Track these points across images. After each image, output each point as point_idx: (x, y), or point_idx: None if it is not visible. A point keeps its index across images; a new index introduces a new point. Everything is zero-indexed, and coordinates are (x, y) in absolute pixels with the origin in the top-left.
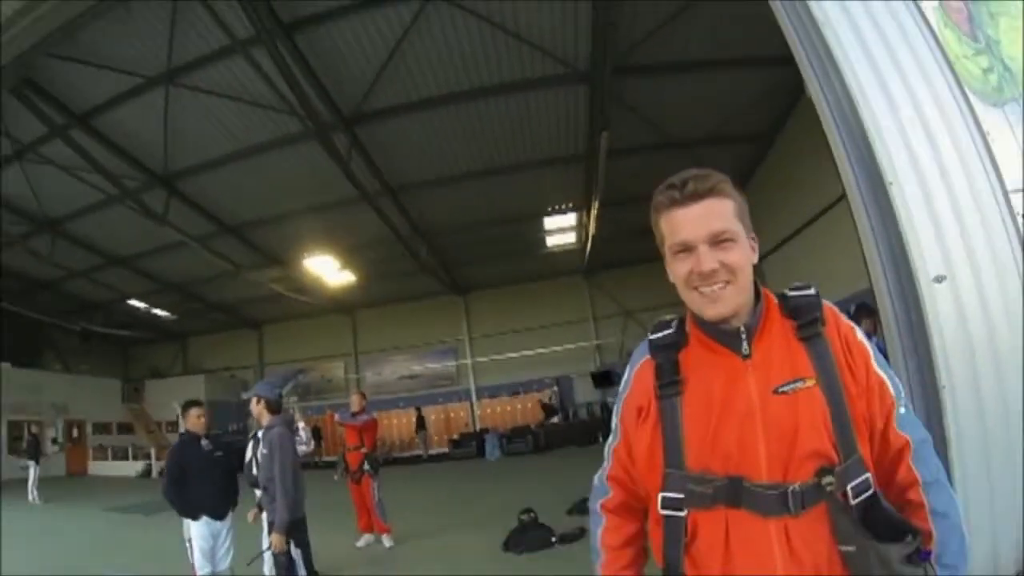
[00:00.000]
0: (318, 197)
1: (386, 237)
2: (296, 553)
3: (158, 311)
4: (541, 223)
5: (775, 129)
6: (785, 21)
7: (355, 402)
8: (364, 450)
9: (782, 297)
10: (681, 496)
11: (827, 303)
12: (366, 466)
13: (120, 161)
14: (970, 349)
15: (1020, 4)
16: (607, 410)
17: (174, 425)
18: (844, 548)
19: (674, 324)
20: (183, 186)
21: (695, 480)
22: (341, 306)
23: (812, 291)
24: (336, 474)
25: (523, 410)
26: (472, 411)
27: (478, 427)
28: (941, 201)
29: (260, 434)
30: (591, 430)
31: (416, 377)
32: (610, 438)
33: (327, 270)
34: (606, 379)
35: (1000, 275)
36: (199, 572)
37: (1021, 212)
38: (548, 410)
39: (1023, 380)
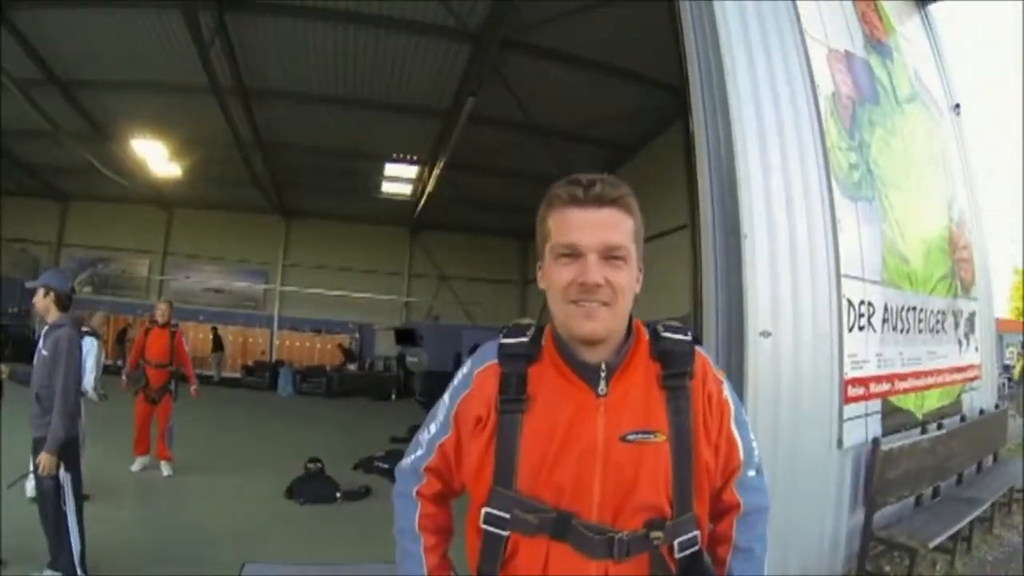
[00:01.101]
0: (166, 76)
1: (225, 139)
2: (64, 477)
3: None
4: (382, 167)
5: (635, 146)
6: (692, 58)
7: (162, 311)
8: (172, 368)
9: (654, 335)
10: (506, 517)
11: (700, 352)
12: (171, 386)
13: None
14: (776, 400)
15: (895, 120)
16: (404, 368)
17: None
18: None
19: (530, 334)
20: (16, 17)
21: (522, 505)
22: (159, 199)
23: (688, 337)
24: (128, 386)
25: (322, 350)
26: (271, 340)
27: (274, 358)
28: (783, 265)
29: (44, 331)
30: (385, 384)
31: (222, 292)
32: (433, 428)
33: (154, 157)
34: (408, 337)
35: (816, 345)
36: None
37: (847, 296)
38: (347, 355)
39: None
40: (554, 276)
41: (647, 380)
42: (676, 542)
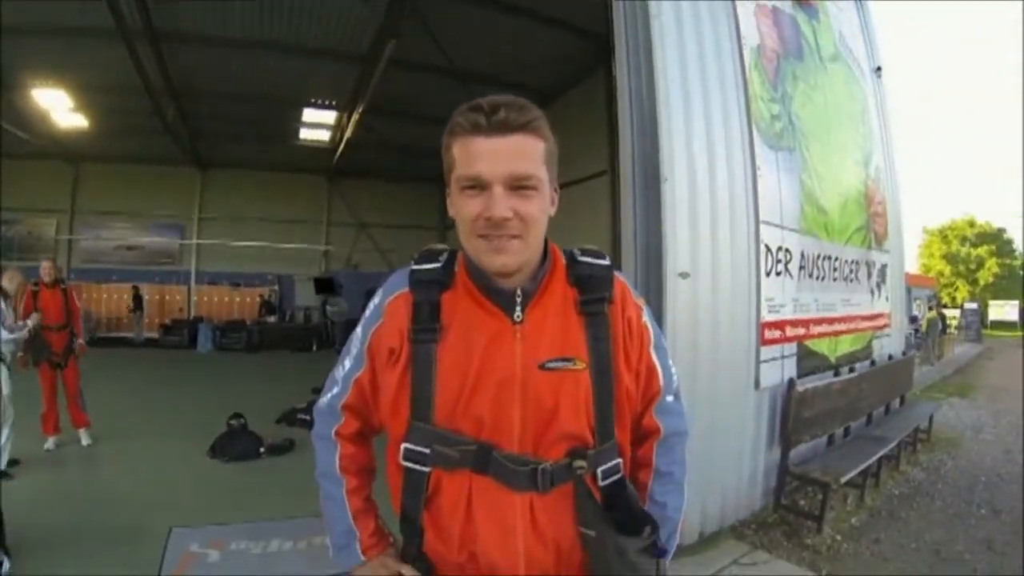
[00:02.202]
0: (68, 17)
1: (134, 86)
2: None
3: None
4: (300, 113)
5: (556, 92)
6: (617, 2)
7: (46, 270)
8: (70, 327)
9: (571, 260)
10: (426, 452)
11: (619, 277)
12: (74, 346)
13: None
14: (695, 341)
15: (818, 77)
16: (325, 318)
17: None
18: (585, 531)
19: (443, 259)
20: None
21: (441, 439)
22: (64, 152)
23: (605, 261)
24: (26, 362)
25: (241, 304)
26: (189, 296)
27: (192, 315)
28: (703, 210)
29: None
30: (307, 336)
31: (136, 249)
32: (348, 363)
33: (57, 107)
34: (328, 286)
35: (734, 288)
36: None
37: (765, 242)
38: (267, 308)
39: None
40: (460, 209)
41: (565, 306)
42: (599, 470)
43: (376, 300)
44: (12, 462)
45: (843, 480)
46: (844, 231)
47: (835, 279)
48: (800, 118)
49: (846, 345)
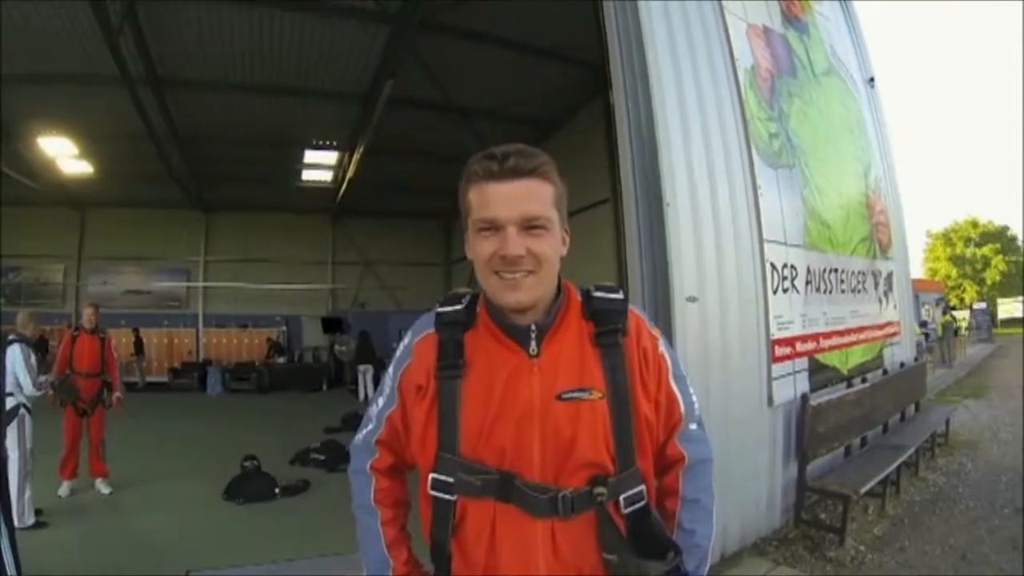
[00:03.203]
0: (72, 67)
1: (138, 132)
2: None
3: None
4: (301, 154)
5: (557, 123)
6: (613, 32)
7: (88, 317)
8: (104, 376)
9: (586, 296)
10: (450, 481)
11: (634, 310)
12: (104, 395)
13: None
14: (706, 363)
15: (813, 92)
16: (334, 357)
17: None
18: (607, 556)
19: (465, 300)
20: None
21: (466, 468)
22: (71, 199)
23: (619, 296)
24: (54, 401)
25: (250, 345)
26: (197, 339)
27: (202, 357)
28: (707, 232)
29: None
30: (316, 375)
31: (143, 294)
32: (381, 402)
33: (63, 155)
34: (336, 325)
35: (742, 308)
36: None
37: (770, 260)
38: (275, 348)
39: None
40: (477, 249)
41: (580, 339)
42: (622, 497)
43: (405, 341)
44: (36, 511)
45: (862, 491)
46: (848, 243)
47: (843, 291)
48: (798, 135)
49: (857, 356)
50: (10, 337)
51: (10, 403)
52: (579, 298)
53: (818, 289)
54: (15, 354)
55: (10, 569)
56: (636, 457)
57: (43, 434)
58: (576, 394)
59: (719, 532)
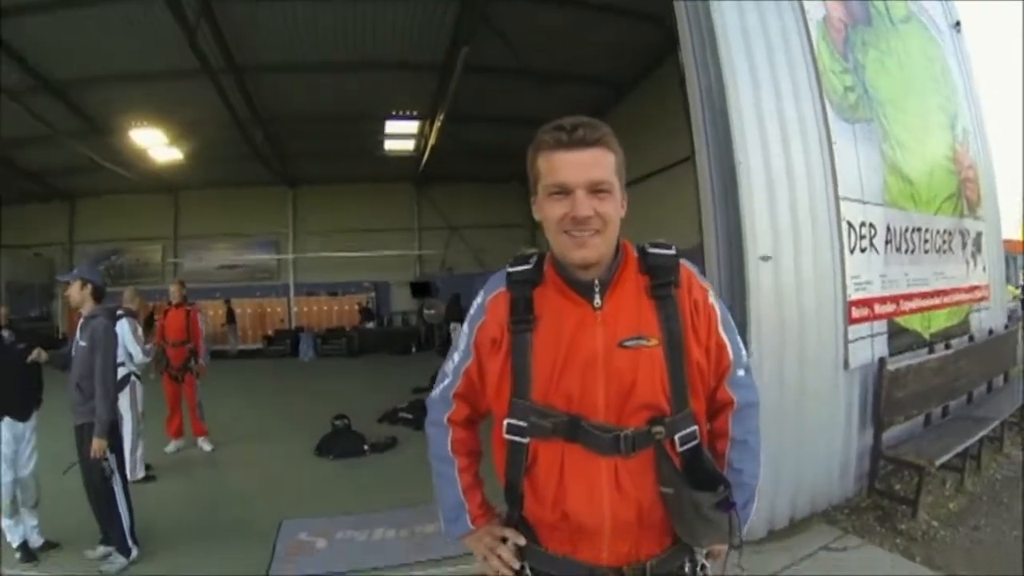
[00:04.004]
0: (156, 64)
1: (222, 117)
2: (111, 458)
3: None
4: (382, 126)
5: (634, 80)
6: None
7: (175, 292)
8: (190, 345)
9: (642, 252)
10: (524, 425)
11: (684, 263)
12: (191, 363)
13: None
14: (780, 323)
15: (891, 41)
16: (423, 320)
17: None
18: (664, 490)
19: (533, 260)
20: (2, 29)
21: (537, 412)
22: (164, 185)
23: (671, 251)
24: (151, 371)
25: (340, 311)
26: (289, 308)
27: (294, 325)
28: (781, 191)
29: (80, 323)
30: (405, 339)
31: (236, 268)
32: (456, 357)
33: (154, 144)
34: (424, 290)
35: (817, 268)
36: (1, 479)
37: (846, 219)
38: (365, 314)
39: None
40: (548, 211)
41: (637, 292)
42: (677, 436)
43: (478, 300)
44: (146, 466)
45: (938, 463)
46: (933, 200)
47: (926, 251)
48: (875, 87)
49: (941, 320)
50: (119, 312)
51: (121, 372)
52: (635, 254)
53: (899, 249)
54: (124, 328)
55: (124, 515)
56: (689, 399)
57: (153, 399)
58: (635, 342)
59: (789, 496)
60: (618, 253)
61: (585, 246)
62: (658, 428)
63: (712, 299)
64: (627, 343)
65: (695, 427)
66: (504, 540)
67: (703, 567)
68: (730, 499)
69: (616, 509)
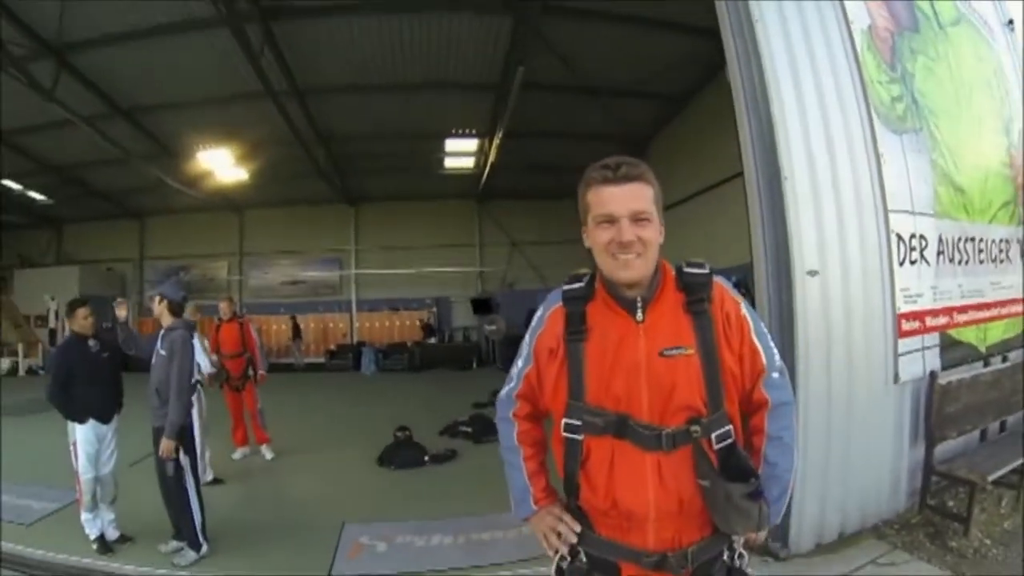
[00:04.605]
0: (222, 89)
1: (286, 138)
2: (184, 459)
3: (33, 194)
4: (442, 144)
5: (687, 96)
6: (722, 5)
7: (224, 309)
8: (247, 355)
9: (679, 271)
10: (579, 423)
11: (717, 280)
12: (249, 372)
13: (5, 23)
14: (827, 339)
15: (939, 46)
16: (485, 337)
17: (44, 320)
18: (701, 482)
19: (585, 279)
20: (76, 60)
21: (590, 412)
22: (230, 204)
23: (705, 270)
24: (211, 382)
25: (401, 327)
26: (351, 323)
27: (356, 340)
28: (828, 205)
29: (160, 334)
30: (466, 355)
31: (299, 283)
32: (520, 363)
33: (220, 165)
34: (485, 306)
35: (866, 281)
36: (83, 476)
37: (896, 231)
38: (427, 330)
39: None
40: (597, 238)
41: (675, 306)
42: (713, 435)
43: (539, 312)
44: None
45: (991, 479)
46: (987, 209)
47: (981, 261)
48: (924, 94)
49: (998, 332)
50: None
51: None
52: (673, 273)
53: (952, 260)
54: (195, 340)
55: (196, 512)
56: (724, 401)
57: (214, 410)
58: (674, 351)
59: (839, 510)
60: (657, 272)
61: (629, 267)
62: (695, 427)
63: (744, 311)
64: (667, 352)
65: (729, 427)
66: (562, 521)
67: (740, 555)
68: (760, 490)
69: (659, 499)
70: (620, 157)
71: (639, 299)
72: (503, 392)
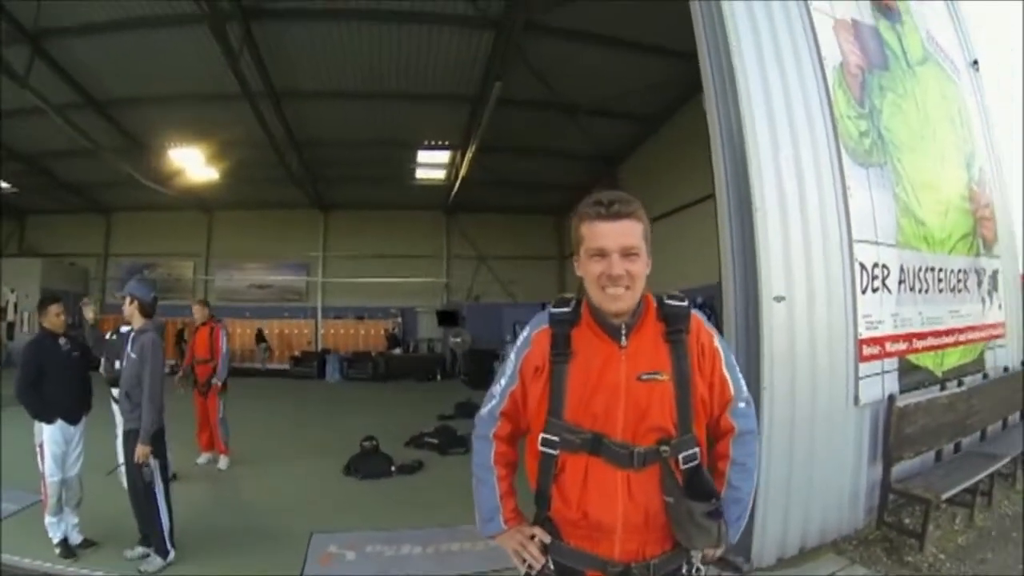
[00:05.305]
0: (198, 87)
1: (259, 140)
2: (154, 464)
3: None
4: (415, 155)
5: (662, 117)
6: (700, 32)
7: (198, 312)
8: (214, 362)
9: (660, 302)
10: (556, 439)
11: (695, 313)
12: (215, 379)
13: None
14: (792, 360)
15: (907, 84)
16: (450, 350)
17: (3, 312)
18: (666, 498)
19: (572, 304)
20: (52, 47)
21: (568, 429)
22: (199, 203)
23: (685, 303)
24: (177, 384)
25: (366, 336)
26: (316, 330)
27: (320, 347)
28: (795, 234)
29: (131, 336)
30: (431, 366)
31: (266, 288)
32: (503, 381)
33: (192, 163)
34: (450, 318)
35: (830, 308)
36: (49, 478)
37: (859, 261)
38: (391, 340)
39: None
40: (589, 269)
41: (655, 335)
42: (681, 456)
43: (525, 333)
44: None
45: (944, 497)
46: (947, 240)
47: (940, 291)
48: (890, 130)
49: (954, 358)
50: None
51: None
52: (655, 304)
53: (912, 288)
54: None
55: (164, 518)
56: (692, 425)
57: (184, 413)
58: (651, 376)
59: (800, 526)
60: (641, 302)
61: (618, 300)
62: (665, 447)
63: (717, 343)
64: (644, 376)
65: (696, 449)
66: (532, 538)
67: (698, 570)
68: (720, 509)
69: (628, 512)
70: (614, 193)
71: (624, 325)
72: (484, 410)
